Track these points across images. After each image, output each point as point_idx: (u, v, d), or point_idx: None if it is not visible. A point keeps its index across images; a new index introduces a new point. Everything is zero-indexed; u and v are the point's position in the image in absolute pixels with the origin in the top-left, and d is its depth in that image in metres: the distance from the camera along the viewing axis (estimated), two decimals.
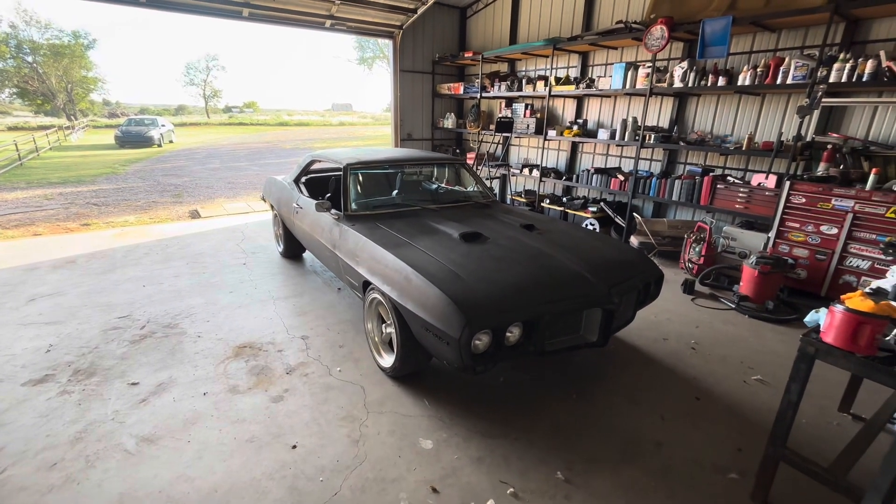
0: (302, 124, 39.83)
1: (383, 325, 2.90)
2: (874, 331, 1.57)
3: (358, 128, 37.52)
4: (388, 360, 2.84)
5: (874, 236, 3.58)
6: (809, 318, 1.90)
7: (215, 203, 8.41)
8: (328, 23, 7.23)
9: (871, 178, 3.60)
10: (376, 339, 2.98)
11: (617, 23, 5.52)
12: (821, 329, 1.74)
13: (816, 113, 4.07)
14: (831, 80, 3.83)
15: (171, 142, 21.42)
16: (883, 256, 3.51)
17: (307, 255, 5.10)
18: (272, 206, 5.09)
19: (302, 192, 4.27)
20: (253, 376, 2.84)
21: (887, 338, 1.68)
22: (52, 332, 3.33)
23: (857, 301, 1.61)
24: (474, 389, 2.76)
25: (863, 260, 3.66)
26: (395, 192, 3.99)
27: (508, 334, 2.25)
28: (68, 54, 31.59)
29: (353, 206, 3.46)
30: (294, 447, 2.25)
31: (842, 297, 1.69)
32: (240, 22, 6.66)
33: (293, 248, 4.93)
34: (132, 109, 48.83)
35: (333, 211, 3.45)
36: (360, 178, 3.81)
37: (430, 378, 2.86)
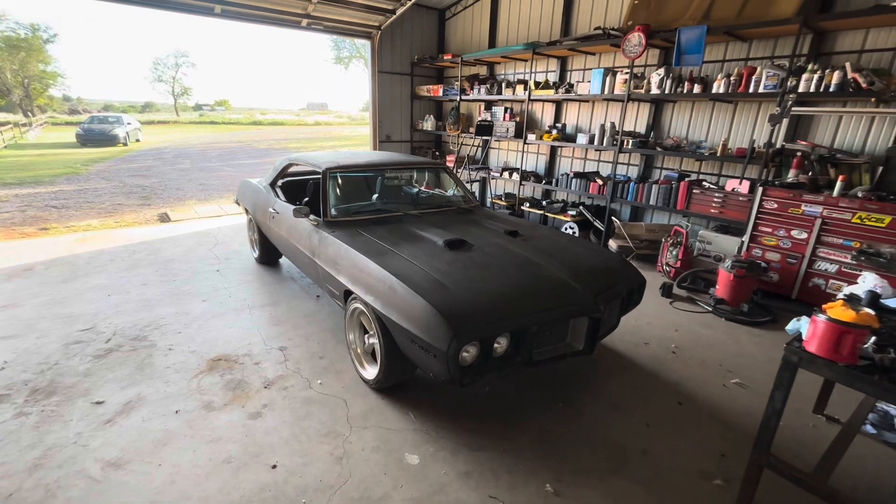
0: (276, 123, 38.97)
1: (366, 335, 2.83)
2: (856, 340, 1.60)
3: (334, 128, 37.00)
4: (371, 371, 2.76)
5: (841, 241, 3.72)
6: (791, 327, 1.93)
7: (186, 205, 8.10)
8: (304, 22, 7.06)
9: (838, 184, 3.74)
10: (358, 350, 2.90)
11: (595, 29, 5.59)
12: (803, 338, 1.77)
13: (786, 121, 4.21)
14: (800, 89, 3.96)
15: (137, 140, 20.56)
16: (850, 261, 3.66)
17: (284, 260, 4.95)
18: (247, 211, 4.91)
19: (279, 197, 4.14)
20: (229, 391, 2.72)
21: (866, 346, 1.72)
22: (7, 347, 3.10)
23: (838, 311, 1.64)
24: (460, 400, 2.71)
25: (831, 264, 3.80)
26: (375, 196, 3.91)
27: (496, 345, 2.22)
28: (25, 47, 29.95)
29: (333, 211, 3.36)
30: (274, 467, 2.15)
31: (823, 306, 1.72)
32: (211, 19, 6.42)
33: (269, 254, 4.77)
34: (95, 106, 46.81)
35: (312, 217, 3.35)
36: (340, 182, 3.71)
37: (414, 389, 2.80)
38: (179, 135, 25.77)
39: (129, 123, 20.40)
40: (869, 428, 2.53)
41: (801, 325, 1.84)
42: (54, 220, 6.84)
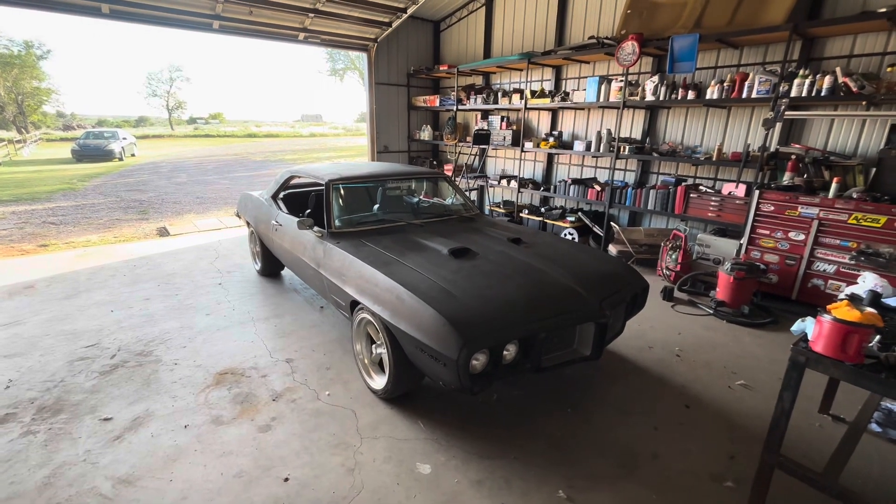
0: (271, 135, 39.06)
1: (373, 345, 2.83)
2: (861, 339, 1.63)
3: (329, 139, 37.12)
4: (379, 381, 2.77)
5: (839, 242, 3.77)
6: (796, 328, 1.96)
7: (184, 219, 8.09)
8: (301, 35, 7.14)
9: (833, 186, 3.81)
10: (366, 360, 2.90)
11: (589, 38, 5.69)
12: (809, 338, 1.79)
13: (779, 125, 4.28)
14: (793, 94, 4.04)
15: (132, 155, 20.57)
16: (848, 261, 3.71)
17: (286, 272, 4.96)
18: (248, 223, 4.93)
19: (281, 209, 4.16)
20: (237, 405, 2.71)
21: (871, 345, 1.75)
22: (12, 365, 3.08)
23: (843, 311, 1.67)
24: (469, 408, 2.72)
25: (829, 264, 3.85)
26: (377, 207, 3.94)
27: (505, 352, 2.23)
28: (18, 64, 30.03)
29: (337, 222, 3.39)
30: (286, 480, 2.15)
31: (828, 306, 1.75)
32: (209, 34, 6.49)
33: (271, 266, 4.78)
34: (89, 121, 46.71)
35: (316, 228, 3.37)
36: (343, 193, 3.74)
37: (422, 398, 2.80)
38: (175, 148, 25.78)
39: (124, 138, 20.40)
40: (875, 426, 2.55)
41: (807, 326, 1.87)
42: (53, 236, 6.82)
